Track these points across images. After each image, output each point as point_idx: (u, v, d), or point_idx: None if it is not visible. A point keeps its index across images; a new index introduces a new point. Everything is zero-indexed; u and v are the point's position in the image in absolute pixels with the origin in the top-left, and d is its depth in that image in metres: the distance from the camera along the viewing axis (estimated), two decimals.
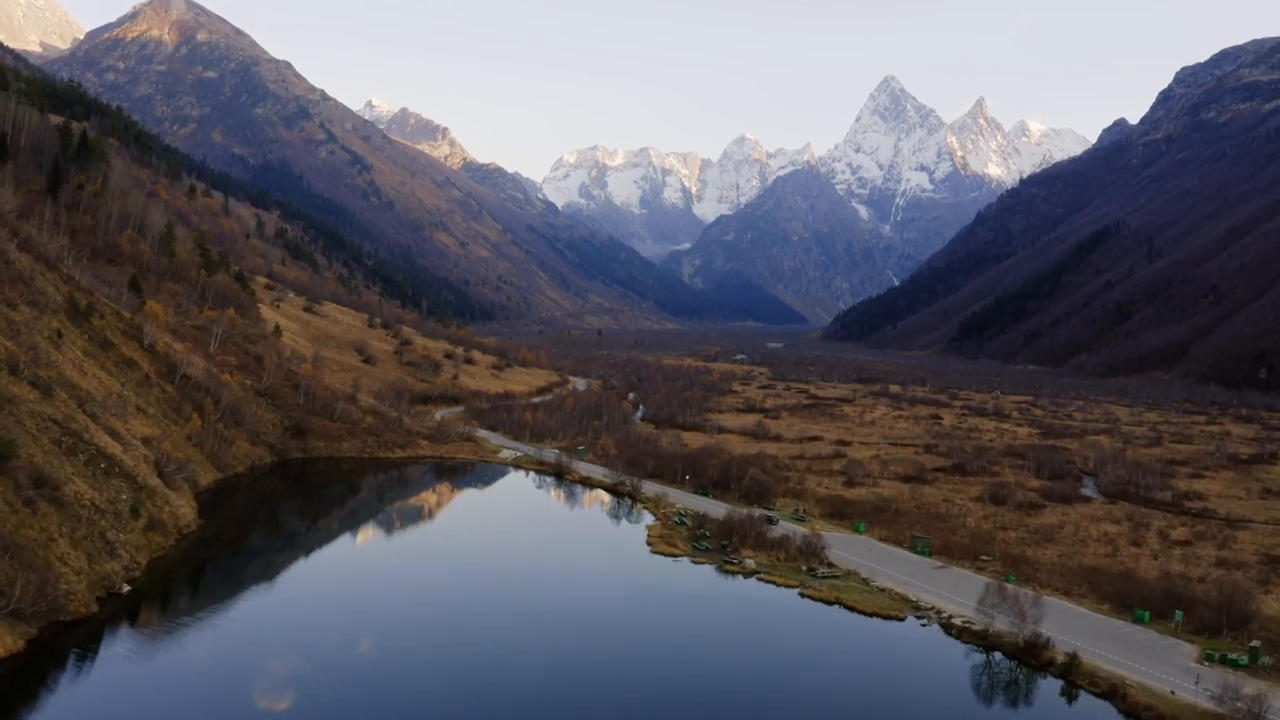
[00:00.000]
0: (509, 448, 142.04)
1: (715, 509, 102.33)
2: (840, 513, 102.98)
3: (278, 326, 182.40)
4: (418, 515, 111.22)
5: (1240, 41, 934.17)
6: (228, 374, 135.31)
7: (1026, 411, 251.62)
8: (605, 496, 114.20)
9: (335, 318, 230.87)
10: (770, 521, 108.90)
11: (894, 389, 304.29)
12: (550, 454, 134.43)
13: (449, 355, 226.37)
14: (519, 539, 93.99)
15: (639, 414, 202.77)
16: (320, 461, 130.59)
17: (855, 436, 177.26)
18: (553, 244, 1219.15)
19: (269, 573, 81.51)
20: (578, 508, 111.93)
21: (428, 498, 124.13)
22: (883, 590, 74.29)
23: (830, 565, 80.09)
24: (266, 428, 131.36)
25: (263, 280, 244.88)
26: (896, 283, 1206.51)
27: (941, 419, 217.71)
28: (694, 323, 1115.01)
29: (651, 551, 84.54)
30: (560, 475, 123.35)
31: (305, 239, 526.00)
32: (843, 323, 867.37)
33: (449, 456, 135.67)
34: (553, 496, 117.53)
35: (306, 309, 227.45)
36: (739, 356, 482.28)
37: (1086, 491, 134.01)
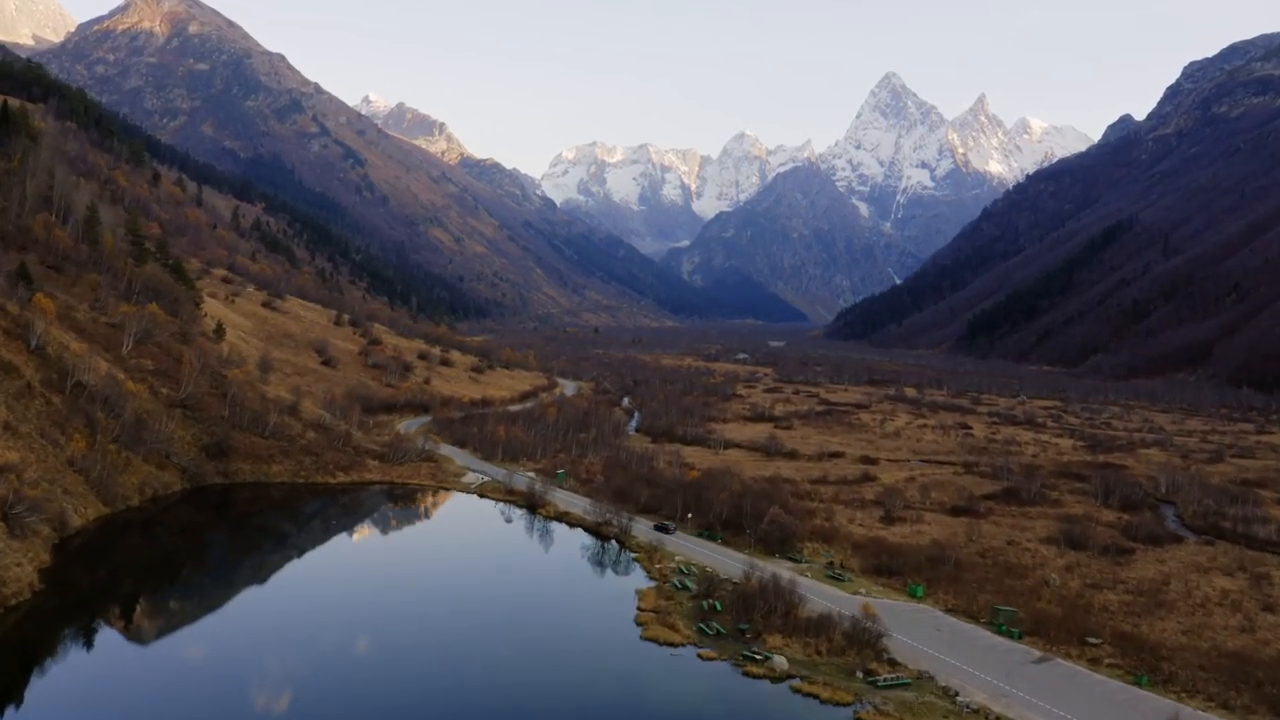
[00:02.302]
0: (475, 470, 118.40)
1: (727, 561, 79.45)
2: (886, 566, 79.90)
3: (220, 324, 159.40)
4: (330, 571, 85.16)
5: (1247, 37, 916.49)
6: (133, 382, 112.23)
7: (1060, 419, 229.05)
8: (586, 538, 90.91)
9: (298, 314, 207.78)
10: (665, 530, 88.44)
11: (910, 392, 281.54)
12: (524, 478, 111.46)
13: (423, 356, 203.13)
14: (459, 614, 69.03)
15: (633, 424, 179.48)
16: (243, 489, 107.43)
17: (881, 452, 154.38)
18: (550, 240, 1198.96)
19: (91, 670, 58.54)
20: (549, 557, 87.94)
21: (354, 542, 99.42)
22: (975, 711, 51.40)
23: (894, 664, 57.09)
24: (180, 447, 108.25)
25: (220, 273, 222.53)
26: (898, 281, 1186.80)
27: (971, 429, 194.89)
28: (693, 320, 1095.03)
29: (642, 636, 61.16)
30: (533, 508, 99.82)
31: (289, 233, 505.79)
32: (845, 320, 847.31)
33: (401, 481, 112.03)
34: (519, 539, 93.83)
35: (266, 304, 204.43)
36: (741, 356, 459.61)
37: (1171, 524, 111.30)
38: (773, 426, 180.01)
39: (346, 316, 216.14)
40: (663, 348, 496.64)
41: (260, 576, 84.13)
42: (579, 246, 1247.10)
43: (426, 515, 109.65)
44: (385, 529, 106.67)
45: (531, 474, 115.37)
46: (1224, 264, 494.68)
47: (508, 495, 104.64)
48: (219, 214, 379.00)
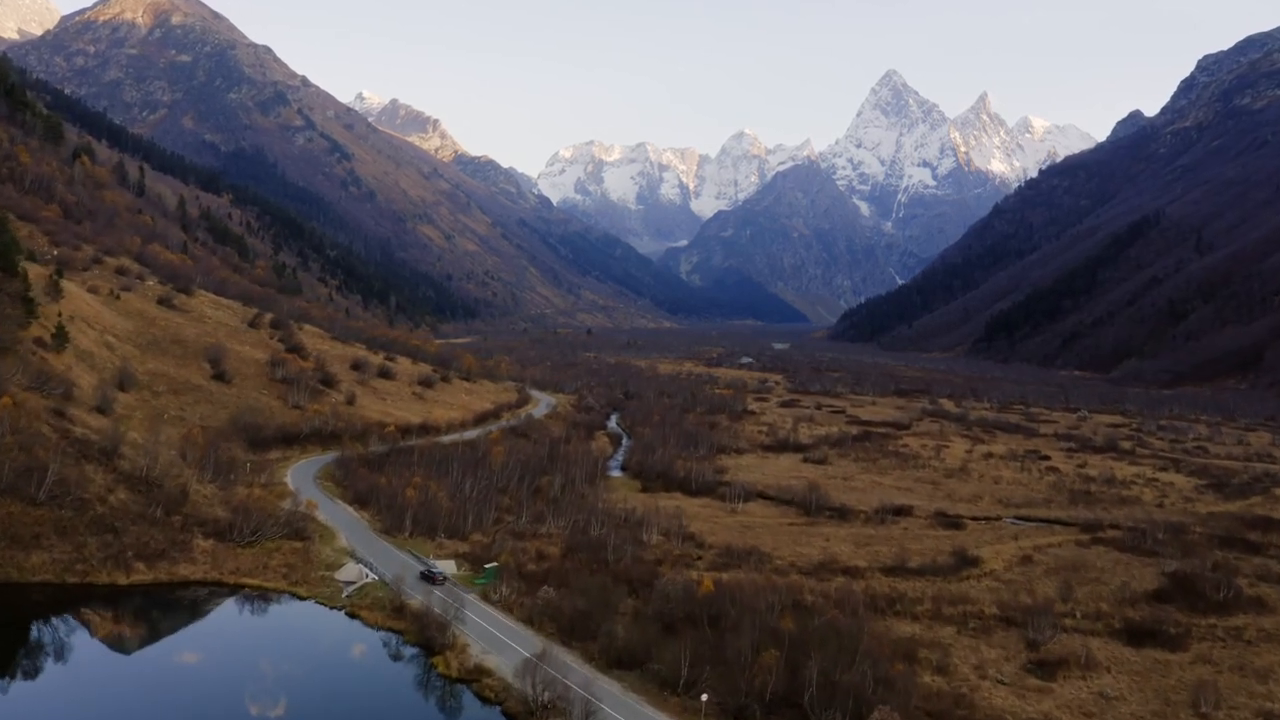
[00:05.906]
0: (361, 558, 73.36)
1: None
2: None
3: (61, 327, 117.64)
4: None
5: (1261, 30, 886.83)
6: None
7: (1144, 442, 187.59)
8: None
9: (202, 314, 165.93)
10: (432, 580, 62.64)
11: (948, 405, 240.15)
12: (439, 571, 69.74)
13: (357, 366, 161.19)
14: None
15: (617, 461, 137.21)
16: None
17: (957, 502, 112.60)
18: (545, 239, 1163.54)
19: None
20: None
21: None
22: None
23: None
24: None
25: (116, 263, 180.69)
26: (900, 281, 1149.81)
27: (1050, 459, 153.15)
28: (691, 321, 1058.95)
29: None
30: (431, 649, 57.64)
31: (256, 226, 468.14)
32: (851, 321, 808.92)
33: (235, 581, 68.97)
34: None
35: (162, 301, 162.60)
36: (745, 360, 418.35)
37: None
38: (801, 459, 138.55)
39: (268, 316, 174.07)
40: (659, 351, 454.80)
41: None
42: (575, 245, 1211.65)
43: (235, 661, 60.05)
44: (135, 691, 55.87)
45: (450, 563, 73.06)
46: (1267, 261, 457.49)
47: (393, 616, 61.23)
48: (161, 202, 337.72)
